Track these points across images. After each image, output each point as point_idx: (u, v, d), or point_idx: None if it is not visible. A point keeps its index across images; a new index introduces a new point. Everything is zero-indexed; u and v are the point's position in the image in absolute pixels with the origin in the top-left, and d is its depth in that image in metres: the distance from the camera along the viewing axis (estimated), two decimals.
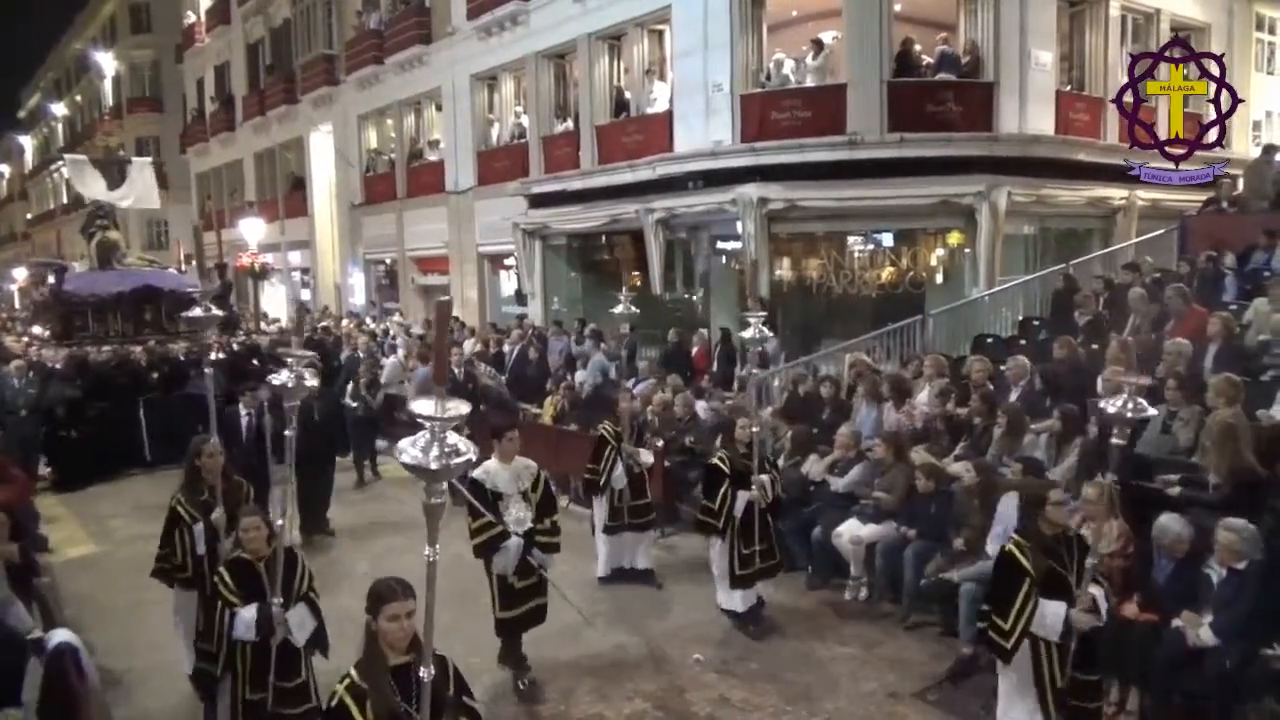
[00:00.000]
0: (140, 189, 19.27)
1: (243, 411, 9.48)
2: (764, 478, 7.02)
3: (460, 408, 2.44)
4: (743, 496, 6.95)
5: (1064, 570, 4.73)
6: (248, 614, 4.74)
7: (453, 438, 2.43)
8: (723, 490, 7.00)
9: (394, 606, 3.40)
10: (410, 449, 2.43)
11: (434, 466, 2.42)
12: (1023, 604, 4.69)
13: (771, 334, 7.52)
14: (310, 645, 4.94)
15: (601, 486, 8.16)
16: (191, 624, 5.77)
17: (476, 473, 6.08)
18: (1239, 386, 6.77)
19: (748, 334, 6.94)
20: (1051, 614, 4.66)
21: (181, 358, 14.86)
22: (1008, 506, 6.66)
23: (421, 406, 2.42)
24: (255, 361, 15.10)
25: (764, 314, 6.66)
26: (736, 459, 7.11)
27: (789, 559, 7.95)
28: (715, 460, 7.24)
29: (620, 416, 8.30)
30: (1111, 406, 4.30)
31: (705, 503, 7.20)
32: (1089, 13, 15.71)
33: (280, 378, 4.35)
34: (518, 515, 6.11)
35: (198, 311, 5.52)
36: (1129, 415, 4.26)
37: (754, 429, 7.13)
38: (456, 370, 12.51)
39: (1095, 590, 4.66)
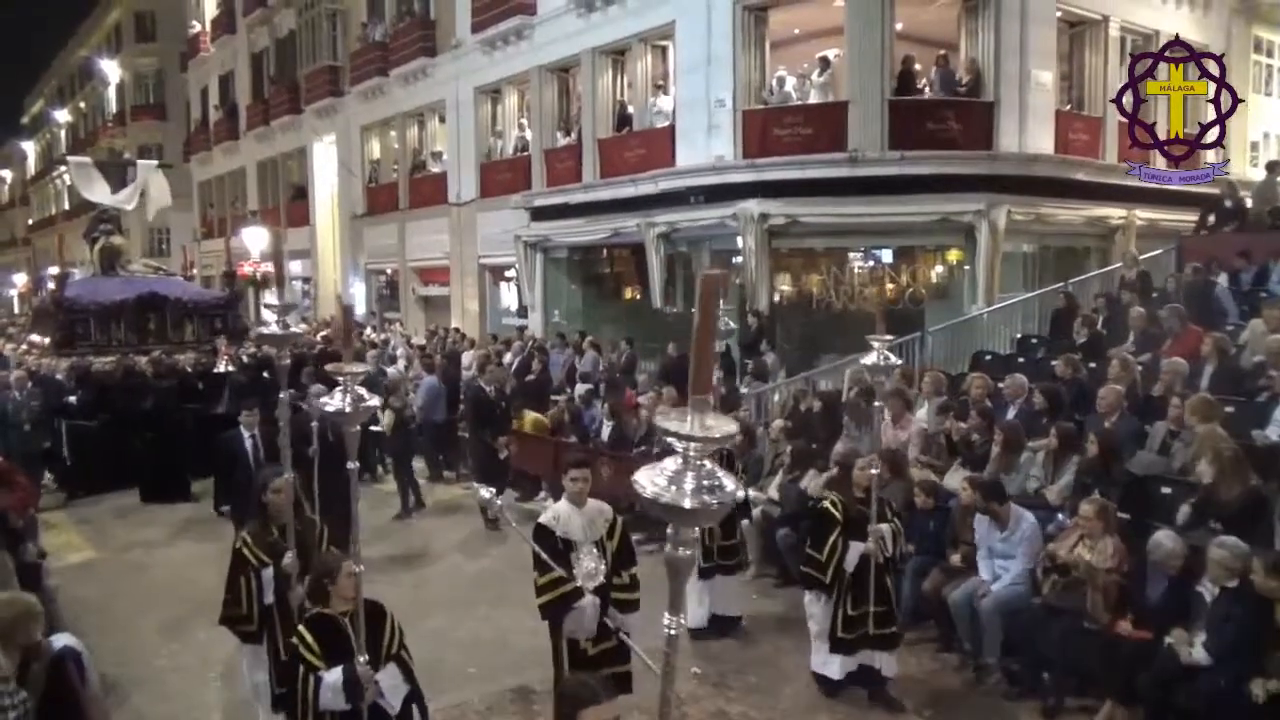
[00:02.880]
0: (154, 192, 19.14)
1: (245, 433, 8.66)
2: (883, 527, 6.01)
3: (727, 426, 1.86)
4: (855, 549, 5.99)
5: None
6: (333, 677, 4.04)
7: (709, 466, 1.83)
8: (833, 540, 6.06)
9: (596, 712, 2.73)
10: (654, 479, 1.82)
11: (688, 505, 1.78)
12: None
13: (898, 361, 6.43)
14: (404, 716, 4.32)
15: None
16: (266, 685, 5.15)
17: (545, 518, 5.37)
18: (1215, 405, 6.86)
19: (869, 360, 5.77)
20: None
21: (189, 369, 14.35)
22: (982, 530, 6.69)
23: (675, 423, 1.83)
24: (266, 374, 14.23)
25: (890, 338, 5.80)
26: (851, 505, 6.17)
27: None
28: (826, 505, 6.30)
29: None
30: None
31: (811, 552, 6.30)
32: (1089, 33, 15.86)
33: (333, 401, 3.62)
34: (589, 568, 5.26)
35: (273, 328, 4.90)
36: None
37: (874, 471, 6.05)
38: (486, 387, 11.45)
39: None
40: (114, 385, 13.45)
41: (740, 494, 1.90)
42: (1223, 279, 11.03)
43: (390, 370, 14.86)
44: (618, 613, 5.32)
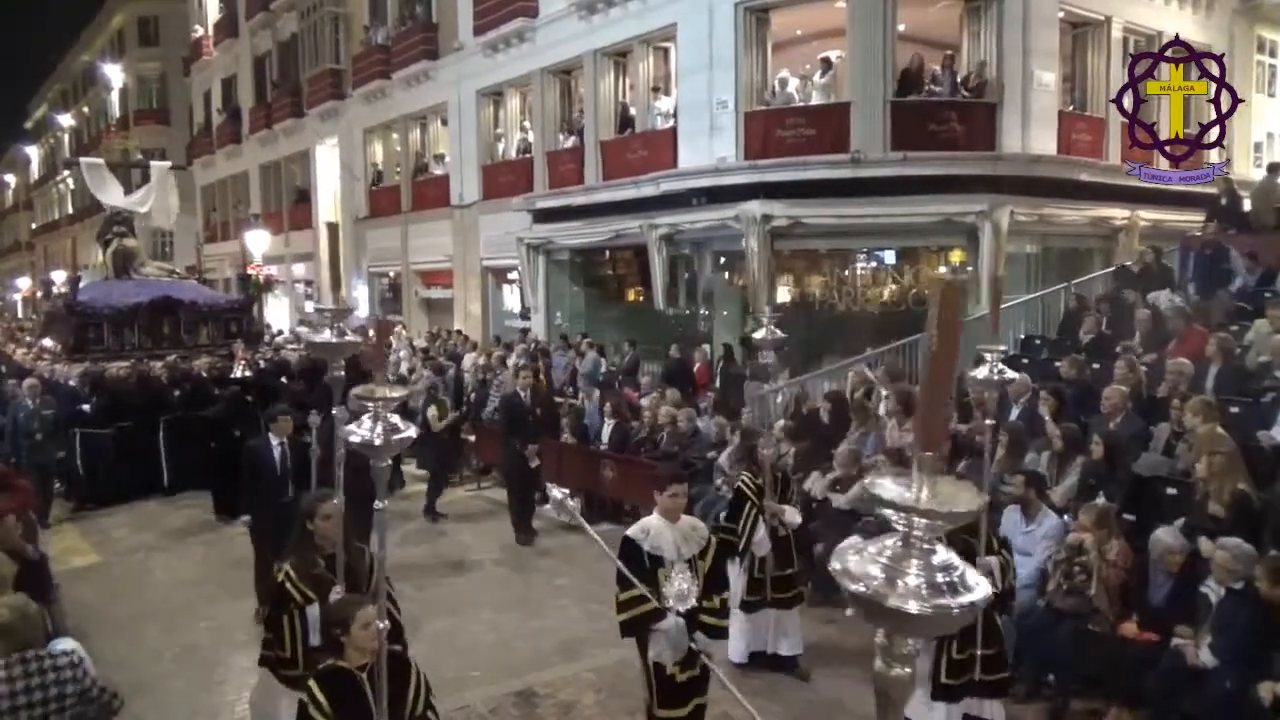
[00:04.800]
0: (159, 200, 18.89)
1: (273, 440, 7.96)
2: (991, 560, 5.29)
3: (969, 497, 1.36)
4: None
5: None
6: None
7: (944, 554, 1.33)
8: None
9: None
10: (865, 565, 1.32)
11: (914, 609, 1.27)
12: None
13: (1015, 375, 5.73)
14: None
15: (741, 551, 6.65)
16: None
17: (633, 531, 5.03)
18: (1215, 407, 6.84)
19: (980, 373, 5.02)
20: None
21: (204, 374, 13.83)
22: (1009, 522, 6.68)
23: (894, 489, 1.34)
24: (284, 379, 14.11)
25: (1004, 349, 5.21)
26: (955, 536, 5.12)
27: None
28: None
29: (760, 466, 6.86)
30: None
31: None
32: (1091, 34, 15.84)
33: (359, 431, 2.95)
34: (680, 589, 4.86)
35: (326, 335, 4.20)
36: None
37: (985, 498, 5.63)
38: (521, 393, 10.85)
39: None
40: (129, 391, 12.95)
41: (989, 590, 1.20)
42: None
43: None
44: (706, 638, 4.95)
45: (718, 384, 13.33)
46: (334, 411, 4.44)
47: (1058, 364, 9.37)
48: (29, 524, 6.93)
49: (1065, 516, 6.68)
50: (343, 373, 4.43)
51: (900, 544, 1.31)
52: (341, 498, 4.48)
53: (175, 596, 8.73)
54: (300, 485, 7.60)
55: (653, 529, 4.99)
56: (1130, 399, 7.72)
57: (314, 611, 4.52)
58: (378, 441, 2.91)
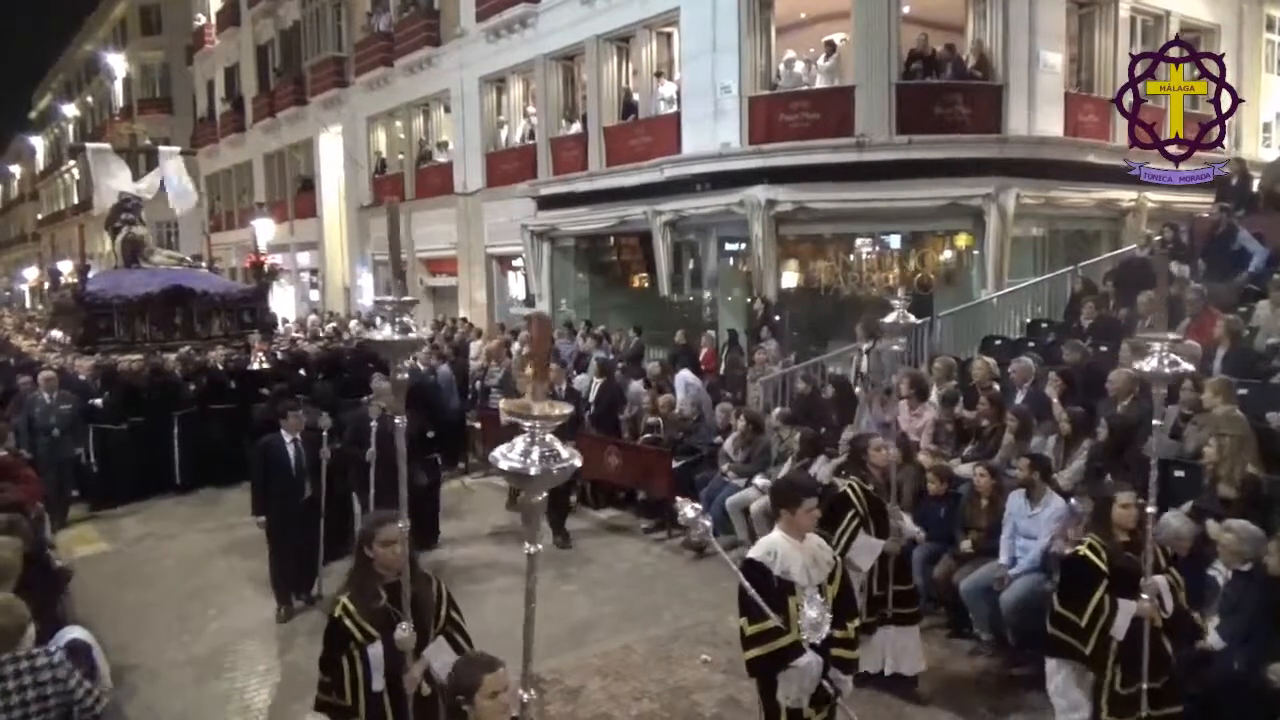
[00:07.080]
0: (177, 187, 18.45)
1: (286, 437, 7.84)
2: (1159, 580, 4.73)
3: None
4: (1126, 609, 4.68)
5: None
6: None
7: None
8: (1097, 598, 4.74)
9: None
10: None
11: None
12: None
13: (1188, 366, 5.08)
14: None
15: None
16: None
17: (757, 553, 4.44)
18: (1233, 387, 6.81)
19: (1148, 365, 4.42)
20: None
21: (220, 367, 13.46)
22: (1015, 505, 6.66)
23: None
24: (302, 372, 13.77)
25: (1174, 337, 4.69)
26: (1116, 552, 4.84)
27: None
28: (1084, 552, 4.90)
29: (872, 470, 6.06)
30: None
31: (1064, 612, 4.90)
32: (1098, 14, 15.70)
33: (510, 458, 2.30)
34: (814, 618, 4.33)
35: (387, 332, 3.45)
36: None
37: (1152, 509, 4.69)
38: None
39: None
40: (143, 385, 12.53)
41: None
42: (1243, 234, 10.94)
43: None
44: (840, 674, 4.44)
45: (722, 370, 13.31)
46: (398, 421, 3.79)
47: (1063, 348, 9.33)
48: (37, 515, 6.95)
49: (1072, 500, 6.67)
50: (406, 375, 3.72)
51: None
52: (406, 520, 3.84)
53: (184, 583, 8.78)
54: (316, 482, 7.79)
55: (780, 550, 4.39)
56: (1137, 382, 7.68)
57: (376, 650, 4.01)
58: (534, 471, 2.27)
